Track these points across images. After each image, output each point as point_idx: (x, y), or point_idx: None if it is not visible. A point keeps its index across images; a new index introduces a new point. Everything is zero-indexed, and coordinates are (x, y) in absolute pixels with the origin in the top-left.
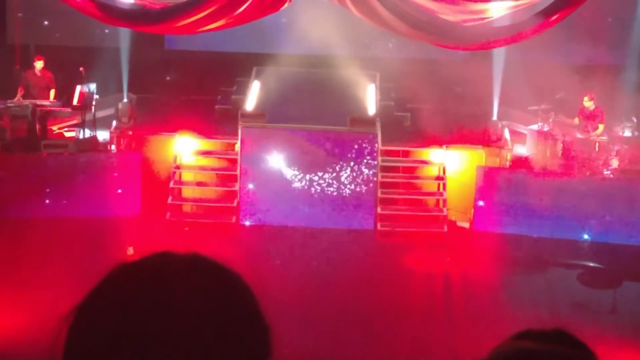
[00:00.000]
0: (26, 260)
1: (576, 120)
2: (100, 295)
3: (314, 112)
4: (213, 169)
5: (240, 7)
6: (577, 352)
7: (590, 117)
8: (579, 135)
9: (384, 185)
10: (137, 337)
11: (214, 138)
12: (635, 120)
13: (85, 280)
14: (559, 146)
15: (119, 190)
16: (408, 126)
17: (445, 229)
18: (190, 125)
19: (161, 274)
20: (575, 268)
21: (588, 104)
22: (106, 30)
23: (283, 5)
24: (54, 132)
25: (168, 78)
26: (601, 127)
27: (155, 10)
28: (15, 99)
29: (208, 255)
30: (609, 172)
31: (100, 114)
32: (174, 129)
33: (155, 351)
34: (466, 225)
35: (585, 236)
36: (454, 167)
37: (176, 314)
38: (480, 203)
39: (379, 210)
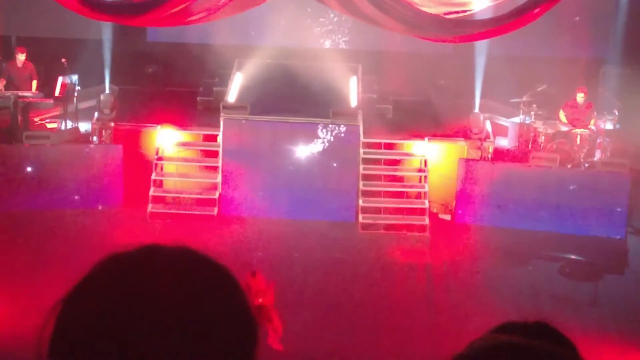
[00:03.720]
0: (7, 252)
1: (561, 114)
2: (88, 287)
3: (296, 104)
4: (195, 161)
5: None
6: (557, 345)
7: (580, 112)
8: (562, 128)
9: (365, 177)
10: (124, 329)
11: (195, 130)
12: (616, 113)
13: (67, 272)
14: (541, 139)
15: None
16: (390, 119)
17: (427, 221)
18: (172, 117)
19: (151, 267)
20: (557, 260)
21: (581, 99)
22: (88, 22)
23: None
24: (36, 124)
25: (150, 70)
26: (592, 122)
27: (137, 3)
28: None
29: (197, 249)
30: (589, 164)
31: (82, 105)
32: (156, 120)
33: (142, 343)
34: (447, 217)
35: (567, 229)
36: (435, 159)
37: (165, 307)
38: (461, 195)
39: (360, 202)
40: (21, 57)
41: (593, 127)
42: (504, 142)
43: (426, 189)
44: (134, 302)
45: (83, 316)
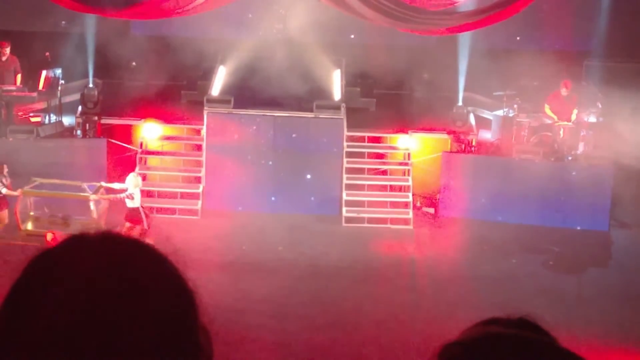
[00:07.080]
0: None
1: (546, 108)
2: (20, 288)
3: (279, 97)
4: (179, 155)
5: None
6: (542, 337)
7: (565, 104)
8: (546, 121)
9: (349, 170)
10: (63, 324)
11: (179, 123)
12: (600, 106)
13: None
14: (524, 132)
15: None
16: (373, 112)
17: (410, 214)
18: (157, 110)
19: (76, 258)
20: (541, 253)
21: (565, 93)
22: (72, 15)
23: None
24: (20, 118)
25: (134, 63)
26: (575, 112)
27: None
28: None
29: (118, 233)
30: (572, 157)
31: (66, 99)
32: (140, 114)
33: (76, 333)
34: (431, 210)
35: (550, 221)
36: (419, 152)
37: (97, 293)
38: (445, 188)
39: (344, 195)
40: (5, 51)
41: (574, 118)
42: (487, 135)
43: (410, 182)
44: (63, 295)
45: (20, 317)
